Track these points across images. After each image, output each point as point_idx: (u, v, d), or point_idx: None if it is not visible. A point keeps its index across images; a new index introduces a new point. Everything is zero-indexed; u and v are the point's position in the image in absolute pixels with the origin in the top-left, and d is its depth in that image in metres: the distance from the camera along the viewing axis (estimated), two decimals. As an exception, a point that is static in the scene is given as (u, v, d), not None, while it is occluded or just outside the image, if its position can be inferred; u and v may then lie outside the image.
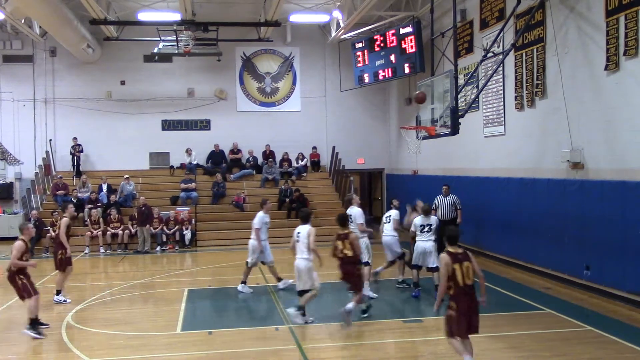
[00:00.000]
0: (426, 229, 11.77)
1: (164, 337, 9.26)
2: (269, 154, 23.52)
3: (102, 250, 18.76)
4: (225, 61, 23.30)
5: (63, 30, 19.03)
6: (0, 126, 22.41)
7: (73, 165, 22.37)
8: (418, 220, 11.91)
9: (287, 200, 21.20)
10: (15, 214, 21.25)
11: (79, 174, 22.03)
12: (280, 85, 24.43)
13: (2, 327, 10.28)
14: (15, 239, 19.10)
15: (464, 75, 16.53)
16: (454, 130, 13.35)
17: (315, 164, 24.11)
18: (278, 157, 23.59)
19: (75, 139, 22.37)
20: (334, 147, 23.81)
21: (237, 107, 24.08)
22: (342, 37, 22.06)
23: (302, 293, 9.84)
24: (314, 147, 24.08)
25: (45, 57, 22.74)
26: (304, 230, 9.99)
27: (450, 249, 7.24)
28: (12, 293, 13.13)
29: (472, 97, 15.30)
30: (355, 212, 11.64)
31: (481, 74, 15.72)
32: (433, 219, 12.13)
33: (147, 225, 18.76)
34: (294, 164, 23.58)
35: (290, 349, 8.53)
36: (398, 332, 9.35)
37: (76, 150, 22.39)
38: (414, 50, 19.57)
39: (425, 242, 11.55)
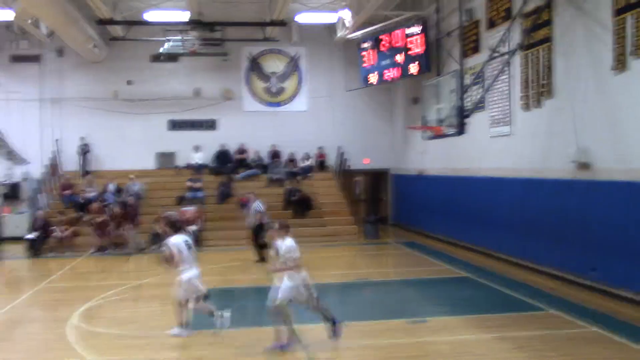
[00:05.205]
0: None
1: (170, 337, 9.24)
2: (274, 154, 23.53)
3: (107, 249, 18.75)
4: (232, 61, 23.34)
5: (70, 30, 19.07)
6: (8, 126, 22.48)
7: (80, 164, 22.46)
8: None
9: (293, 200, 21.22)
10: (22, 213, 21.30)
11: (85, 173, 22.11)
12: (287, 85, 24.42)
13: (6, 327, 10.30)
14: (20, 239, 19.27)
15: (471, 75, 16.46)
16: (460, 130, 13.34)
17: (322, 164, 24.09)
18: (284, 157, 23.59)
19: (82, 138, 22.47)
20: (339, 147, 23.80)
21: (243, 107, 24.11)
22: (349, 36, 22.03)
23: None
24: (320, 147, 24.06)
25: (52, 57, 22.82)
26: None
27: None
28: (16, 292, 13.22)
29: (479, 97, 15.24)
30: None
31: (487, 74, 15.65)
32: None
33: (130, 225, 18.73)
34: (300, 164, 23.58)
35: (293, 349, 8.51)
36: (402, 332, 9.32)
37: (83, 149, 22.48)
38: (420, 50, 19.55)
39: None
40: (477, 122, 15.87)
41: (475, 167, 17.11)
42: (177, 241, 9.15)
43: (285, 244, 8.56)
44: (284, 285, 8.39)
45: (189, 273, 9.10)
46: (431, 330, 9.46)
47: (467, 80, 15.37)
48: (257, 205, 16.62)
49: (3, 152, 22.48)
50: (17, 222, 20.78)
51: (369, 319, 10.18)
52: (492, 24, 15.96)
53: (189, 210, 19.98)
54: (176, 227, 9.56)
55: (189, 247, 9.22)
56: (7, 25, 21.67)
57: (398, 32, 20.34)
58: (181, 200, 21.06)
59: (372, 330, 9.47)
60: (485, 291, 12.34)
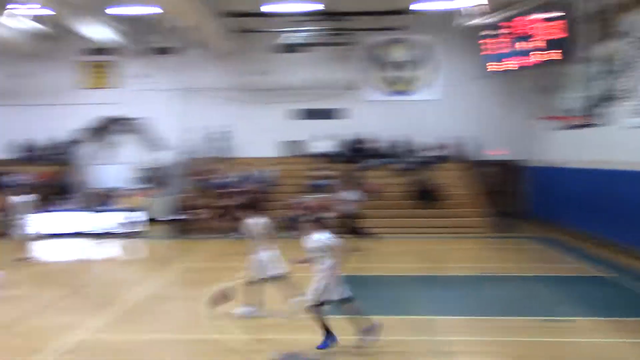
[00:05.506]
0: None
1: (292, 321, 9.48)
2: (400, 144, 23.36)
3: (236, 234, 19.51)
4: (355, 50, 23.48)
5: (203, 24, 20.15)
6: (149, 114, 24.15)
7: (214, 152, 23.68)
8: None
9: (418, 191, 20.95)
10: (162, 197, 22.68)
11: (219, 160, 23.29)
12: (411, 74, 24.12)
13: (148, 303, 11.05)
14: (161, 221, 20.42)
15: (606, 63, 15.26)
16: (597, 120, 12.50)
17: (449, 154, 23.54)
18: (409, 147, 23.35)
19: (216, 126, 23.65)
20: (468, 137, 23.15)
21: (367, 96, 24.14)
22: (476, 23, 21.26)
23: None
24: (448, 137, 23.49)
25: (188, 49, 24.13)
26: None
27: None
28: (157, 271, 14.12)
29: (616, 85, 14.12)
30: None
31: (625, 61, 14.42)
32: None
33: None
34: (426, 153, 23.21)
35: (419, 340, 8.42)
36: (537, 330, 8.93)
37: (217, 137, 23.71)
38: (551, 36, 18.40)
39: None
40: (617, 112, 14.70)
41: (616, 160, 15.85)
42: (253, 223, 9.85)
43: (311, 239, 8.19)
44: (311, 285, 8.16)
45: (262, 254, 9.77)
46: (569, 330, 9.02)
47: (603, 67, 14.28)
48: (349, 194, 16.61)
49: (145, 139, 24.23)
50: (159, 205, 22.26)
51: (500, 315, 9.84)
52: (630, 7, 14.63)
53: (315, 198, 20.33)
54: (255, 209, 10.27)
55: (266, 230, 9.81)
56: (149, 20, 23.09)
57: (528, 18, 19.33)
58: (306, 189, 21.47)
59: (507, 327, 9.17)
60: (626, 293, 11.51)
